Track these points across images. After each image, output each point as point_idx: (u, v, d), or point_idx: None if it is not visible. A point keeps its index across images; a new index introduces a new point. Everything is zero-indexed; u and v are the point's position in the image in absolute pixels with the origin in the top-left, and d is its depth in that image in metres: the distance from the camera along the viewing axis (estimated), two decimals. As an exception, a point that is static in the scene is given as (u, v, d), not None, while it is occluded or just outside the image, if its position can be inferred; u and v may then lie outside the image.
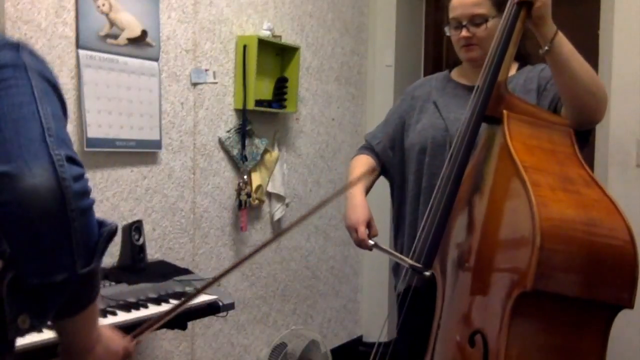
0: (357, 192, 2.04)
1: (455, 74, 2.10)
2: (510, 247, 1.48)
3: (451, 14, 1.94)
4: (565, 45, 1.68)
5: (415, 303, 1.88)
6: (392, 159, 2.14)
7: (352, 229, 1.98)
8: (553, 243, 1.36)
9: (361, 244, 1.97)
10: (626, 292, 1.41)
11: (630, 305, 1.42)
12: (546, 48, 1.66)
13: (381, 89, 4.13)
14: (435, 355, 1.72)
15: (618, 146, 3.35)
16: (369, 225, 1.97)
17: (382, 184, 2.22)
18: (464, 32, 1.91)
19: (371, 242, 1.95)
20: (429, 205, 1.75)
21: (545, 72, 1.91)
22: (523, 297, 1.38)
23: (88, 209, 0.95)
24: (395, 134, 2.13)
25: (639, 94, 3.28)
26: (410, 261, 1.74)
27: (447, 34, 2.00)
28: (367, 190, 2.09)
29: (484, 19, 1.89)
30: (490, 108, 1.64)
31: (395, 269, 2.16)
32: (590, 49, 3.48)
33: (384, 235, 2.47)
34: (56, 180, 0.90)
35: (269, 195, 3.44)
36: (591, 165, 3.47)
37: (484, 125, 1.68)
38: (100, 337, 1.13)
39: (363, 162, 2.14)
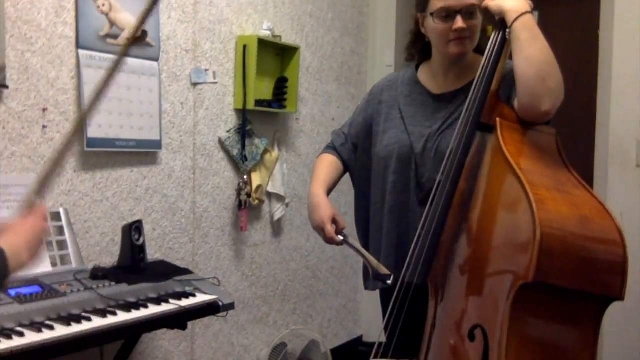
0: (318, 190, 2.00)
1: (422, 76, 2.02)
2: (510, 244, 1.56)
3: (441, 3, 1.82)
4: (525, 31, 1.68)
5: (413, 300, 1.87)
6: (354, 163, 2.12)
7: (319, 229, 1.95)
8: (551, 237, 1.45)
9: (330, 241, 1.95)
10: (618, 284, 1.51)
11: (621, 296, 1.51)
12: (507, 31, 1.70)
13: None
14: (430, 355, 1.76)
15: (618, 146, 3.35)
16: (335, 221, 1.94)
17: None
18: (460, 22, 1.80)
19: (340, 237, 1.92)
20: (422, 222, 1.76)
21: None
22: (523, 289, 1.47)
23: None
24: (358, 138, 2.11)
25: (639, 94, 3.28)
26: (375, 262, 1.76)
27: (428, 26, 1.88)
28: (331, 189, 2.06)
29: (477, 8, 1.82)
30: (485, 116, 1.69)
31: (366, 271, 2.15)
32: (590, 49, 3.48)
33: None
34: None
35: (269, 195, 3.44)
36: (591, 165, 3.47)
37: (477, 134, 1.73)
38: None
39: (328, 162, 2.11)
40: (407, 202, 1.94)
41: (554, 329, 1.53)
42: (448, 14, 1.81)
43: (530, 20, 1.69)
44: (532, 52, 1.67)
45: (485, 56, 1.73)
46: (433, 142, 1.90)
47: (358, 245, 1.99)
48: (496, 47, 1.71)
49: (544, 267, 1.44)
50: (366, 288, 2.16)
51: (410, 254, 1.77)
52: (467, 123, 1.70)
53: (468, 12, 1.81)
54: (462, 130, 1.71)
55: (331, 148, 2.15)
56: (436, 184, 1.75)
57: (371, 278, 1.99)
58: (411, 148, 1.93)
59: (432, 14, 1.84)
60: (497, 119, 1.67)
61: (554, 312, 1.52)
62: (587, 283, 1.49)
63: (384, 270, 1.87)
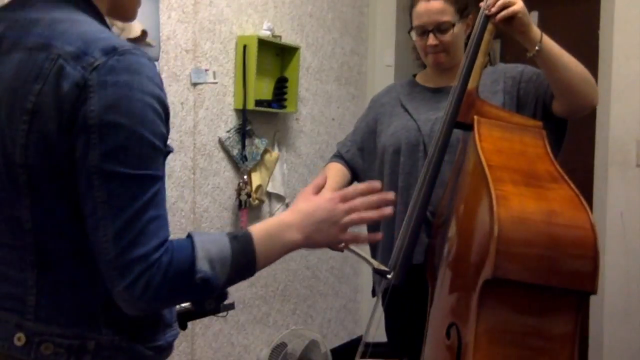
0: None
1: (420, 79, 2.14)
2: (477, 240, 1.56)
3: (416, 21, 1.97)
4: (551, 42, 1.76)
5: (399, 301, 1.90)
6: (361, 166, 2.18)
7: None
8: (511, 232, 1.44)
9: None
10: (588, 278, 1.46)
11: (593, 291, 1.47)
12: (537, 48, 1.73)
13: (381, 89, 4.12)
14: (426, 353, 1.78)
15: (618, 146, 3.35)
16: None
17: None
18: (431, 40, 1.95)
19: None
20: (406, 215, 1.79)
21: (510, 72, 1.96)
22: (487, 286, 1.45)
23: (173, 284, 1.05)
24: (363, 141, 2.17)
25: (639, 94, 3.28)
26: (376, 263, 1.80)
27: (413, 39, 2.03)
28: None
29: (450, 25, 1.94)
30: (462, 115, 1.72)
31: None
32: (590, 49, 3.48)
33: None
34: (146, 304, 1.04)
35: (269, 195, 3.44)
36: (591, 165, 3.47)
37: (461, 132, 1.77)
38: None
39: (334, 169, 2.17)
40: (414, 184, 1.97)
41: (527, 325, 1.49)
42: (423, 31, 1.96)
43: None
44: (567, 60, 1.78)
45: (465, 54, 1.76)
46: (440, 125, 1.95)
47: (357, 248, 2.01)
48: (473, 47, 1.73)
49: (504, 263, 1.42)
50: (374, 295, 2.19)
51: (392, 257, 1.80)
52: (444, 123, 1.74)
53: (439, 29, 1.94)
54: (439, 131, 1.75)
55: (336, 156, 2.22)
56: (417, 188, 1.78)
57: (373, 277, 2.01)
58: (419, 130, 1.99)
59: (412, 29, 2.00)
60: (475, 117, 1.68)
61: (525, 307, 1.48)
62: (552, 278, 1.45)
63: (383, 267, 1.91)
